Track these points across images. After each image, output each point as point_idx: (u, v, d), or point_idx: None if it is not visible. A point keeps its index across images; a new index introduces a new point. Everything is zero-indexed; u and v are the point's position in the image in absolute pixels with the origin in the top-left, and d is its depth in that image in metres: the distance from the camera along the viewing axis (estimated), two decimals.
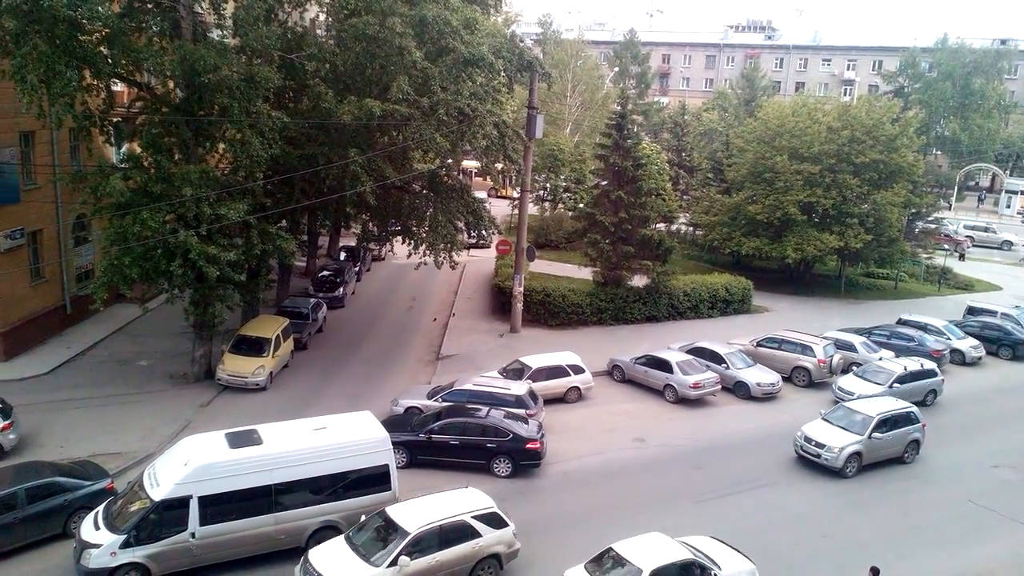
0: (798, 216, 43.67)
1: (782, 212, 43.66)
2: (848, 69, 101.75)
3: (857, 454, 24.33)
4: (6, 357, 28.33)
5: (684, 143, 64.37)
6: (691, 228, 57.44)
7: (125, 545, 16.68)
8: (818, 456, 24.36)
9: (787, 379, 31.93)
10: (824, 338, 33.88)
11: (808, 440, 24.78)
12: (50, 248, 31.25)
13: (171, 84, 26.64)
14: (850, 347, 33.96)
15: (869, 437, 24.47)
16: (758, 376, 30.78)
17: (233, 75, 24.45)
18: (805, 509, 22.38)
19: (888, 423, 25.04)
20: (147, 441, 23.39)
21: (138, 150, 27.03)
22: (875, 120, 45.29)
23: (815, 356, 32.02)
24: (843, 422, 25.11)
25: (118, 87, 29.51)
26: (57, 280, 31.95)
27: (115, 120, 27.38)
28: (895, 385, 29.73)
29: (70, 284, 32.65)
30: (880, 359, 32.36)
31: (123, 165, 27.24)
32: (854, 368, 32.11)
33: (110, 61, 25.13)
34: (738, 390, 30.61)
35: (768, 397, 30.47)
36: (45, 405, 25.25)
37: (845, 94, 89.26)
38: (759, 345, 33.62)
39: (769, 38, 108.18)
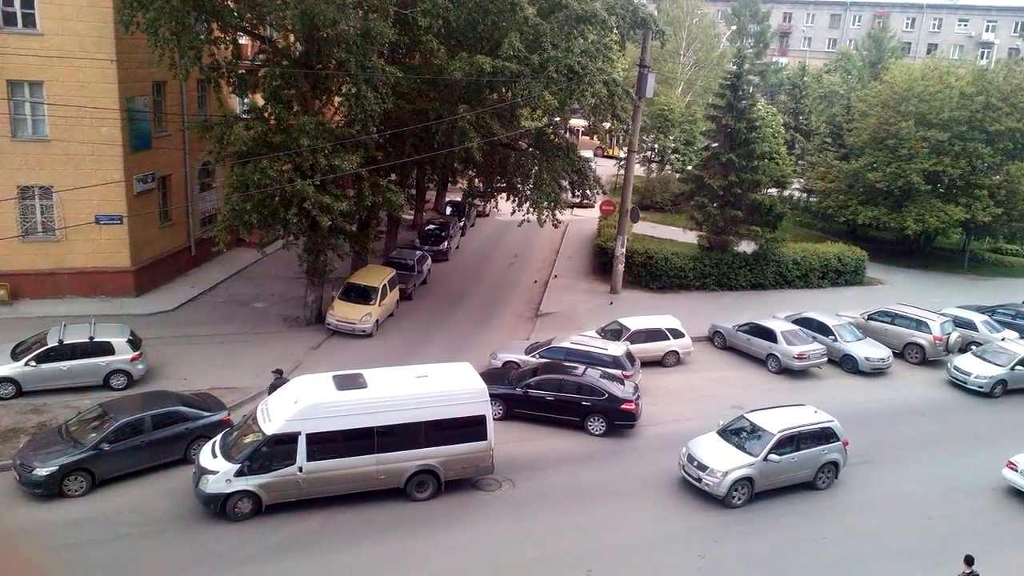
0: (921, 185, 41.52)
1: (904, 180, 41.60)
2: (987, 31, 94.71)
3: (747, 480, 19.92)
4: (137, 293, 30.36)
5: (802, 106, 61.88)
6: (805, 194, 55.57)
7: (239, 474, 17.71)
8: (699, 480, 20.04)
9: (899, 355, 30.74)
10: (942, 314, 32.29)
11: (691, 459, 20.49)
12: (177, 193, 33.13)
13: (291, 38, 27.53)
14: (970, 325, 32.32)
15: (764, 459, 20.07)
16: (867, 350, 29.73)
17: (350, 30, 25.00)
18: (907, 489, 21.63)
19: (793, 442, 20.53)
20: (261, 379, 24.65)
21: (260, 101, 28.18)
22: (1014, 86, 42.43)
23: (931, 333, 30.62)
24: (737, 438, 20.85)
25: (243, 40, 30.69)
26: (183, 223, 33.92)
27: (240, 72, 28.55)
28: (1017, 368, 28.19)
29: (195, 227, 34.61)
30: (1003, 339, 30.67)
31: (246, 116, 28.46)
32: (973, 347, 30.59)
33: (236, 15, 26.19)
34: (845, 364, 29.68)
35: (877, 373, 29.44)
36: (170, 339, 26.97)
37: (982, 57, 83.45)
38: (870, 318, 32.39)
39: None
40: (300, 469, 18.11)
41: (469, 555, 17.58)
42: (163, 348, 25.84)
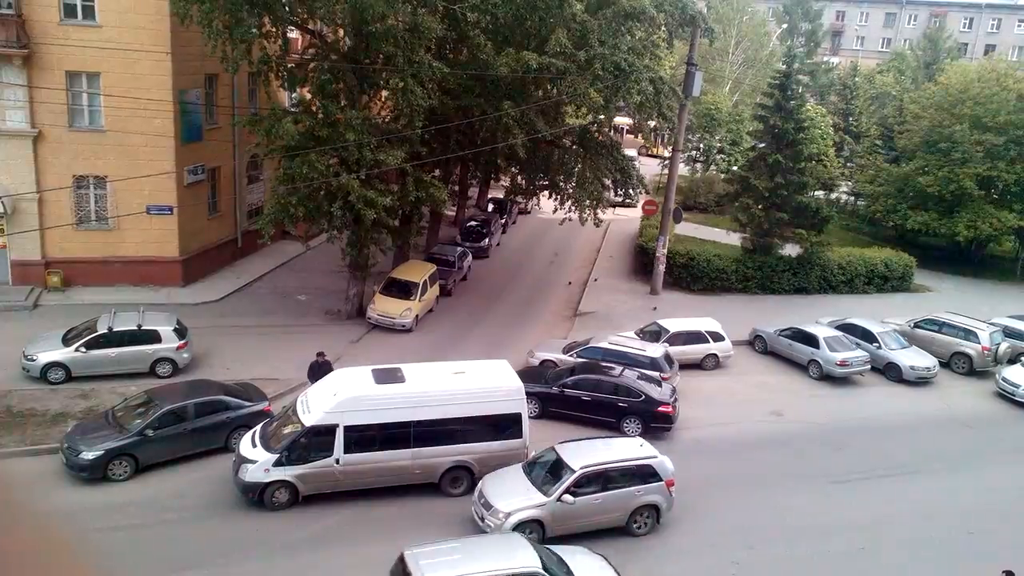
0: (974, 190, 40.49)
1: (956, 185, 40.60)
2: None
3: (535, 522, 17.30)
4: (184, 283, 31.00)
5: (852, 107, 60.83)
6: (852, 197, 54.51)
7: (278, 464, 17.99)
8: (482, 519, 17.51)
9: (945, 365, 30.06)
10: (991, 324, 31.48)
11: (480, 496, 17.96)
12: (226, 185, 33.75)
13: (340, 32, 27.84)
14: (1021, 336, 31.47)
15: (558, 499, 17.44)
16: (912, 359, 29.15)
17: (398, 24, 25.23)
18: (949, 503, 21.17)
19: (599, 480, 17.86)
20: (301, 370, 24.88)
21: (308, 95, 28.54)
22: None
23: (979, 342, 29.91)
24: (539, 473, 18.21)
25: (293, 34, 31.11)
26: (231, 215, 34.54)
27: (289, 66, 28.97)
28: None
29: (242, 219, 35.22)
30: None
31: (294, 110, 28.84)
32: (1023, 359, 29.76)
33: (287, 9, 26.59)
34: (889, 372, 29.12)
35: (922, 382, 28.86)
36: (215, 329, 27.49)
37: None
38: (916, 326, 31.72)
39: None
40: (337, 461, 18.34)
41: None
42: (208, 337, 26.34)
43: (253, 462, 18.08)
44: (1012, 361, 30.00)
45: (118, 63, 27.89)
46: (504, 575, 14.15)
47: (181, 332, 24.35)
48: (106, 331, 23.20)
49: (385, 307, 29.42)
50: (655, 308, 32.03)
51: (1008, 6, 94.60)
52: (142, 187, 28.29)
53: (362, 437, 18.47)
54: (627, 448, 19.03)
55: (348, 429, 18.31)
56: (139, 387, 22.14)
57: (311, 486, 18.43)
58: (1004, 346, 30.21)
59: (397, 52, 25.40)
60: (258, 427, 19.46)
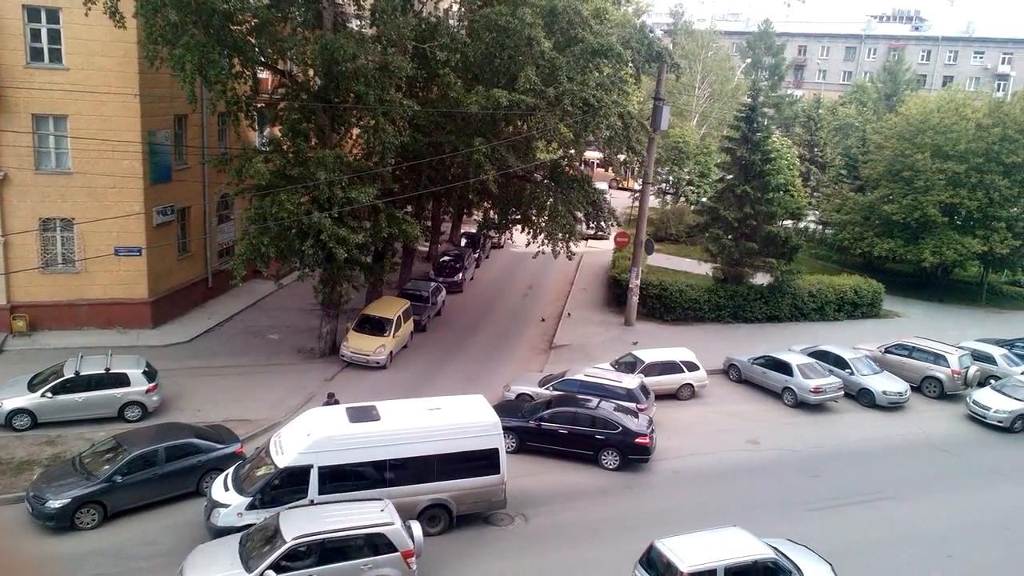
0: (938, 217, 41.37)
1: (920, 212, 41.46)
2: (1003, 63, 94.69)
3: None
4: (154, 324, 30.58)
5: (817, 138, 62.00)
6: (820, 226, 55.41)
7: (251, 507, 17.62)
8: None
9: (916, 389, 30.39)
10: (960, 348, 31.96)
11: (180, 572, 15.96)
12: (196, 225, 33.49)
13: (311, 72, 27.97)
14: (989, 359, 31.95)
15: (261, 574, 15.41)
16: (884, 384, 29.43)
17: (369, 64, 25.41)
18: (927, 526, 21.26)
19: (317, 551, 15.89)
20: (275, 410, 24.75)
21: (279, 134, 28.57)
22: None
23: (949, 366, 30.30)
24: (256, 544, 16.22)
25: (263, 75, 31.20)
26: (201, 255, 34.23)
27: (259, 106, 29.00)
28: None
29: (212, 259, 34.93)
30: (1022, 373, 30.28)
31: (265, 149, 28.82)
32: (992, 381, 30.18)
33: (258, 49, 26.72)
34: (862, 397, 29.37)
35: (894, 407, 29.11)
36: (186, 371, 27.10)
37: (998, 89, 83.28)
38: (887, 352, 32.10)
39: (916, 29, 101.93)
40: (312, 502, 17.99)
41: None
42: (178, 380, 25.97)
43: (226, 506, 17.72)
44: (981, 384, 30.42)
45: (86, 105, 27.77)
46: (743, 559, 15.93)
47: (150, 375, 23.94)
48: (73, 375, 22.77)
49: (359, 344, 29.22)
50: (635, 342, 32.01)
51: (964, 39, 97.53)
52: (110, 229, 28.06)
53: (337, 477, 18.18)
54: (361, 514, 16.83)
55: (323, 469, 18.04)
56: (107, 432, 21.66)
57: None
58: (973, 369, 30.61)
59: (368, 91, 25.56)
60: (230, 470, 19.11)
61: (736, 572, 15.75)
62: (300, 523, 16.29)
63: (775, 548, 16.79)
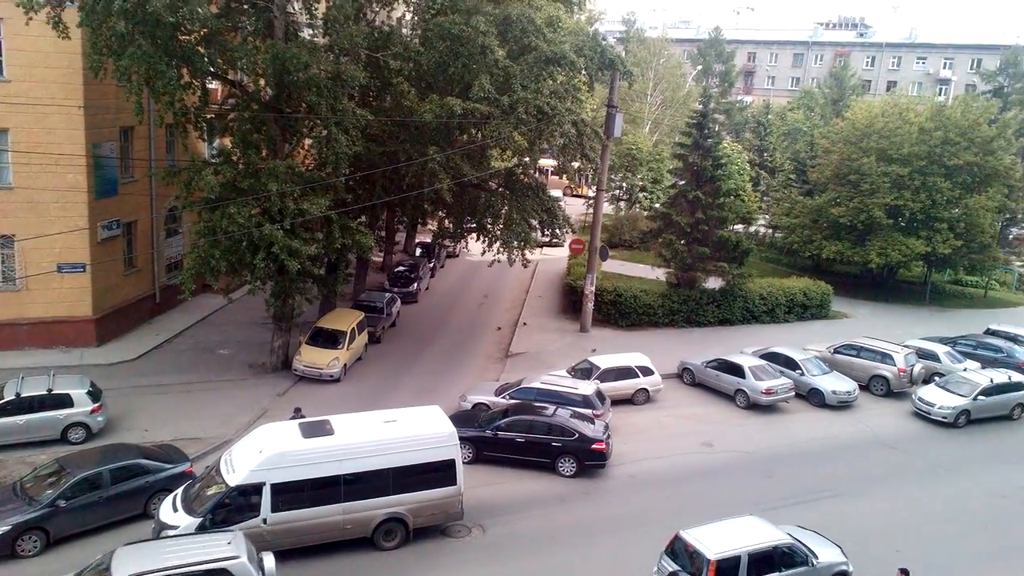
0: (883, 220, 42.33)
1: (866, 215, 42.40)
2: (944, 68, 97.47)
3: None
4: (99, 342, 29.85)
5: (766, 143, 63.11)
6: (770, 230, 56.32)
7: (201, 528, 17.24)
8: None
9: (864, 388, 31.03)
10: (906, 346, 32.70)
11: None
12: (143, 239, 32.81)
13: (262, 82, 27.65)
14: (933, 356, 32.77)
15: None
16: (834, 384, 30.00)
17: (321, 73, 25.20)
18: (876, 522, 21.68)
19: None
20: (225, 427, 24.32)
21: (228, 146, 28.15)
22: (971, 121, 43.49)
23: (895, 365, 30.99)
24: None
25: (212, 85, 30.74)
26: (148, 270, 33.54)
27: (208, 117, 28.54)
28: (980, 397, 28.59)
29: (160, 274, 34.25)
30: (965, 370, 31.11)
31: (214, 160, 28.38)
32: (936, 379, 30.94)
33: (207, 60, 26.30)
34: (813, 397, 29.90)
35: (844, 405, 29.68)
36: (132, 389, 26.50)
37: (940, 94, 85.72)
38: (836, 352, 32.73)
39: (861, 35, 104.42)
40: (264, 521, 17.77)
41: None
42: (124, 399, 25.39)
43: (174, 528, 17.33)
44: (927, 381, 31.17)
45: (27, 118, 27.07)
46: (764, 545, 16.99)
47: (95, 395, 23.34)
48: (13, 397, 22.11)
49: (312, 357, 28.88)
50: (594, 349, 32.01)
51: (907, 45, 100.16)
52: (53, 245, 27.32)
53: (290, 494, 17.96)
54: (204, 548, 15.59)
55: (275, 487, 17.80)
56: (50, 455, 21.12)
57: None
58: (919, 367, 31.37)
59: (320, 101, 25.35)
60: (179, 490, 18.74)
61: (758, 557, 16.73)
62: (134, 560, 14.89)
63: (790, 534, 17.81)
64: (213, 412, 25.23)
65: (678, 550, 17.15)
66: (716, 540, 16.85)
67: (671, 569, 16.96)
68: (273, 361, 29.56)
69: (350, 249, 29.27)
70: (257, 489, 17.69)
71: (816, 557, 17.58)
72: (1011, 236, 48.29)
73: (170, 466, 20.00)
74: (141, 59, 23.28)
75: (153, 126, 31.08)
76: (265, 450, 18.11)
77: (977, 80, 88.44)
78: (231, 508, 17.60)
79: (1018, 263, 48.95)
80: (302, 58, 24.27)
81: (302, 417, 21.34)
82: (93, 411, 23.02)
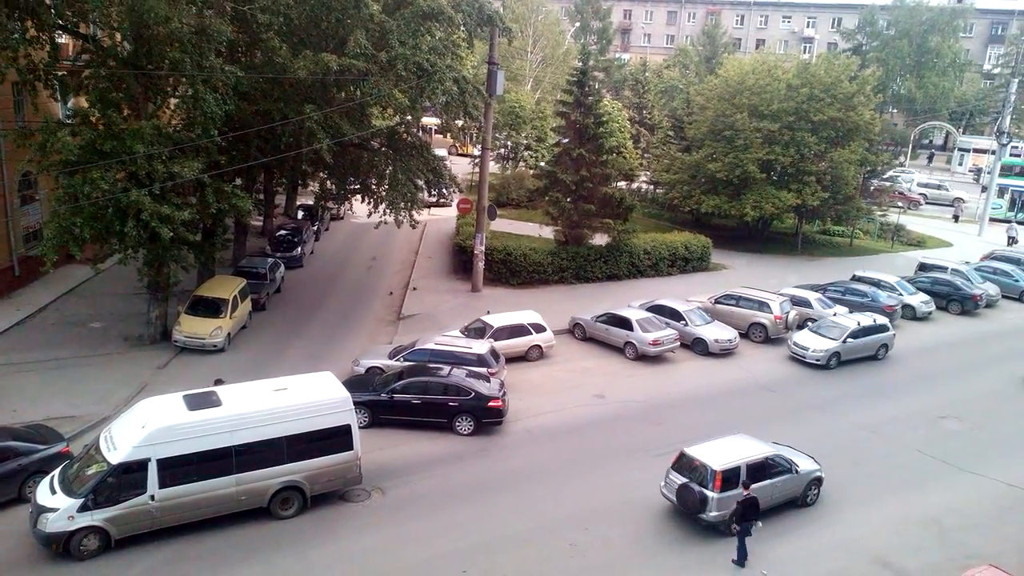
0: (757, 174, 43.99)
1: (741, 170, 43.95)
2: (808, 27, 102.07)
3: None
4: None
5: (645, 100, 64.27)
6: (651, 186, 57.64)
7: (83, 508, 16.52)
8: None
9: (744, 335, 32.46)
10: (780, 295, 34.40)
11: None
12: None
13: (118, 37, 25.71)
14: (806, 303, 34.55)
15: None
16: (716, 333, 31.24)
17: (184, 27, 23.68)
18: None
19: None
20: (103, 404, 23.02)
21: (85, 106, 26.15)
22: (833, 78, 45.54)
23: (771, 312, 32.53)
24: None
25: (63, 39, 28.41)
26: (4, 241, 30.99)
27: (60, 74, 26.36)
28: (848, 340, 30.44)
29: (18, 245, 31.71)
30: (835, 315, 32.99)
31: (70, 122, 26.34)
32: (809, 324, 32.69)
33: (54, 12, 24.17)
34: (696, 346, 31.05)
35: (725, 353, 30.98)
36: None
37: (805, 52, 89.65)
38: (717, 302, 34.05)
39: None
40: (152, 498, 17.05)
41: (343, 568, 17.16)
42: None
43: (54, 510, 16.46)
44: (801, 327, 32.92)
45: None
46: (757, 457, 19.43)
47: None
48: None
49: (192, 327, 27.62)
50: (488, 311, 31.87)
51: (773, 3, 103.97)
52: None
53: (179, 469, 17.28)
54: None
55: (162, 462, 17.06)
56: None
57: (125, 528, 17.02)
58: (792, 314, 33.08)
59: (184, 57, 23.82)
60: (57, 471, 17.72)
61: (754, 467, 19.14)
62: None
63: (775, 448, 20.37)
64: (88, 388, 23.81)
65: (684, 465, 19.24)
66: (718, 455, 19.14)
67: (681, 481, 19.02)
68: (151, 333, 28.09)
69: (227, 213, 27.97)
70: (142, 465, 16.93)
71: (798, 466, 20.10)
72: (872, 187, 51.21)
73: (44, 447, 18.85)
74: None
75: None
76: (148, 425, 17.27)
77: (838, 38, 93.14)
78: (115, 487, 16.80)
79: (879, 213, 52.10)
80: (161, 11, 22.65)
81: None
82: None
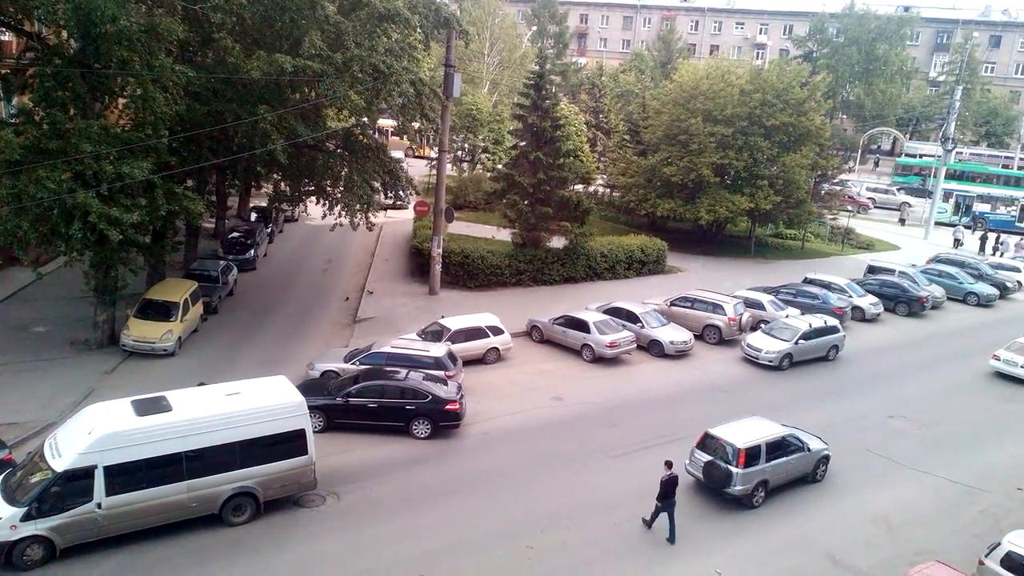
0: (711, 178, 44.57)
1: (696, 174, 44.48)
2: (760, 33, 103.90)
3: None
4: None
5: (601, 104, 64.65)
6: (608, 190, 58.03)
7: (26, 518, 16.09)
8: None
9: (699, 337, 32.79)
10: (734, 297, 34.88)
11: None
12: None
13: (64, 34, 25.05)
14: (759, 305, 35.06)
15: None
16: (671, 335, 31.53)
17: (132, 26, 23.15)
18: None
19: None
20: (47, 410, 22.39)
21: (29, 104, 25.41)
22: (785, 84, 46.40)
23: (725, 314, 32.97)
24: None
25: (5, 36, 27.60)
26: None
27: (3, 72, 25.60)
28: (800, 341, 30.97)
29: None
30: (787, 316, 33.56)
31: (13, 121, 25.58)
32: (762, 325, 33.18)
33: None
34: (652, 348, 31.31)
35: (681, 355, 31.29)
36: None
37: (757, 58, 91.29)
38: (673, 304, 34.39)
39: (685, 0, 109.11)
40: (99, 506, 16.64)
41: (297, 574, 16.86)
42: None
43: None
44: (754, 328, 33.41)
45: None
46: (774, 436, 21.32)
47: None
48: None
49: (142, 331, 27.02)
50: (443, 316, 31.69)
51: (726, 10, 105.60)
52: None
53: (127, 476, 16.89)
54: None
55: (109, 469, 16.65)
56: None
57: (71, 537, 16.59)
58: (746, 316, 33.56)
59: (133, 56, 23.29)
60: None
61: (772, 445, 20.95)
62: None
63: (790, 429, 22.21)
64: (31, 394, 23.13)
65: (708, 444, 20.98)
66: (740, 434, 20.86)
67: (707, 458, 20.69)
68: (98, 337, 27.38)
69: (177, 216, 27.43)
70: (88, 473, 16.50)
71: (808, 445, 21.97)
72: (823, 191, 52.26)
73: None
74: None
75: None
76: (95, 431, 16.84)
77: (790, 45, 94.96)
78: (60, 495, 16.38)
79: (829, 216, 53.16)
80: (108, 9, 22.11)
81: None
82: None
